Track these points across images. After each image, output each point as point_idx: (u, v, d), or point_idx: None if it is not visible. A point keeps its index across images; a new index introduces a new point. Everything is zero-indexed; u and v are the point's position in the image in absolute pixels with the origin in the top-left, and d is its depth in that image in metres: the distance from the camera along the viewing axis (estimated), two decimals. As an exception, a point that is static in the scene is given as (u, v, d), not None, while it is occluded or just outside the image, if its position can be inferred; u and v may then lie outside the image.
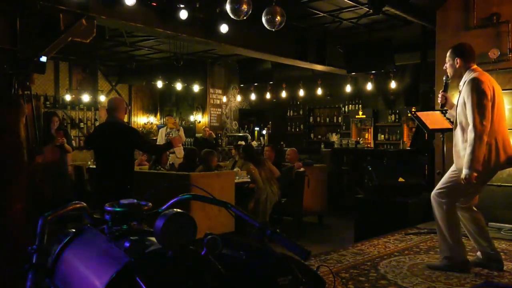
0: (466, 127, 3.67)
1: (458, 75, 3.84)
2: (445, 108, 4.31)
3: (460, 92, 3.81)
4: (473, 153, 3.54)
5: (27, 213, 3.37)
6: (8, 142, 3.29)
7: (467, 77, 3.73)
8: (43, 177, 5.06)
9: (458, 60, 3.79)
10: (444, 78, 4.05)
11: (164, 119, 11.55)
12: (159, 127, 14.26)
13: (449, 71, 3.90)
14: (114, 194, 2.56)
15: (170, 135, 9.86)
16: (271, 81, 12.04)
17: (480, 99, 3.58)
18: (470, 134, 3.57)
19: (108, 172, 4.85)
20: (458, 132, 3.79)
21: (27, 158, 3.41)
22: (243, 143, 11.31)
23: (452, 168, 3.89)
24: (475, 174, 3.54)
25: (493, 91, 3.66)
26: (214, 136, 10.35)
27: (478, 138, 3.54)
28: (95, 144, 5.12)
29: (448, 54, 3.89)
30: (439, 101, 4.05)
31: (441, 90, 4.05)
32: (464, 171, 3.57)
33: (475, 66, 3.79)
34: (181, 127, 10.76)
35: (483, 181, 3.81)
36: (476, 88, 3.61)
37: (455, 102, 3.95)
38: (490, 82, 3.71)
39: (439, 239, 3.95)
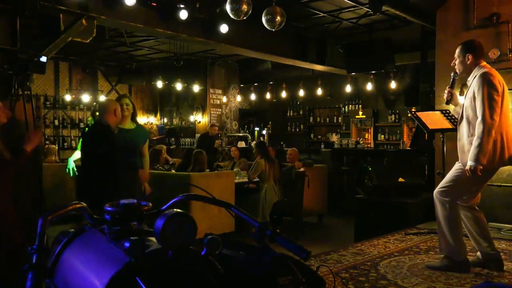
0: (473, 121, 3.66)
1: (467, 71, 3.82)
2: (448, 108, 4.29)
3: (468, 87, 3.79)
4: (481, 146, 3.53)
5: (24, 213, 3.36)
6: None
7: (477, 72, 3.73)
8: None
9: (469, 56, 3.77)
10: (452, 74, 4.02)
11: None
12: (159, 127, 14.28)
13: (459, 68, 3.87)
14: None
15: None
16: (271, 81, 12.03)
17: (491, 93, 3.58)
18: (479, 127, 3.55)
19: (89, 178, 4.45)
20: (463, 126, 3.78)
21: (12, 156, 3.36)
22: (243, 143, 11.31)
23: (456, 165, 3.87)
24: (480, 166, 3.53)
25: (502, 87, 3.67)
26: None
27: (487, 131, 3.53)
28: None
29: (458, 50, 3.86)
30: (445, 97, 4.00)
31: (447, 86, 4.01)
32: (469, 163, 3.56)
33: (484, 63, 3.80)
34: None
35: (486, 178, 3.81)
36: (488, 82, 3.61)
37: (459, 99, 3.94)
38: (500, 78, 3.72)
39: (439, 238, 3.93)
